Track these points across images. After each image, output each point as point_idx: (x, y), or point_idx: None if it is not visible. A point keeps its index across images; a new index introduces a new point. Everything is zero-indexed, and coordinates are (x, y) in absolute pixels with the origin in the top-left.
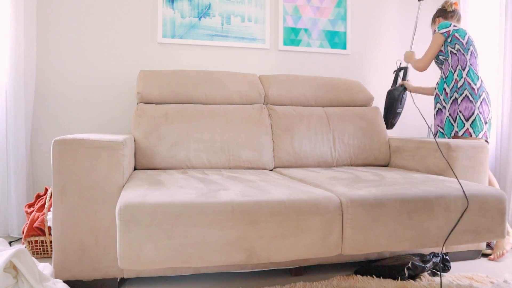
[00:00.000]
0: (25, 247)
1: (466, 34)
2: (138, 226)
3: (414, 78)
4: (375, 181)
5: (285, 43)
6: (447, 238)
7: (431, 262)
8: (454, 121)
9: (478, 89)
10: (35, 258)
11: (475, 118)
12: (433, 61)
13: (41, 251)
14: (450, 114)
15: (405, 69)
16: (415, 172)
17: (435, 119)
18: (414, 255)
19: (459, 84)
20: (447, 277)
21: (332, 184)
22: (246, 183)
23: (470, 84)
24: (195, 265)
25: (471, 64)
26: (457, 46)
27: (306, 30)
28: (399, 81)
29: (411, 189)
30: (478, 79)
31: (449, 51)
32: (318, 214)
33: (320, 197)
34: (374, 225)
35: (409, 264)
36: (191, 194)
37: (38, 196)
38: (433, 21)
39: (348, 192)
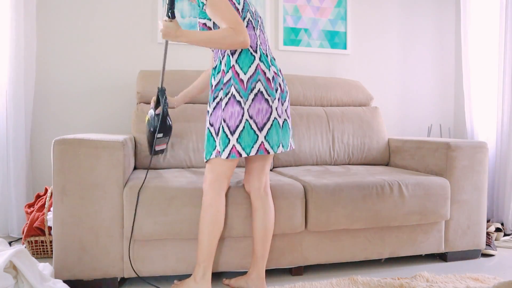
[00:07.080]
0: (25, 247)
1: None
2: (140, 205)
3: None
4: (340, 173)
5: (285, 43)
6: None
7: None
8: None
9: None
10: (35, 258)
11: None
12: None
13: (41, 251)
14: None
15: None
16: (391, 168)
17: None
18: None
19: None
20: (451, 277)
21: (304, 175)
22: None
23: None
24: (185, 238)
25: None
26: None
27: (306, 30)
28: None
29: (367, 178)
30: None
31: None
32: (283, 198)
33: (285, 184)
34: (334, 207)
35: None
36: (182, 182)
37: (38, 196)
38: None
39: (314, 181)
